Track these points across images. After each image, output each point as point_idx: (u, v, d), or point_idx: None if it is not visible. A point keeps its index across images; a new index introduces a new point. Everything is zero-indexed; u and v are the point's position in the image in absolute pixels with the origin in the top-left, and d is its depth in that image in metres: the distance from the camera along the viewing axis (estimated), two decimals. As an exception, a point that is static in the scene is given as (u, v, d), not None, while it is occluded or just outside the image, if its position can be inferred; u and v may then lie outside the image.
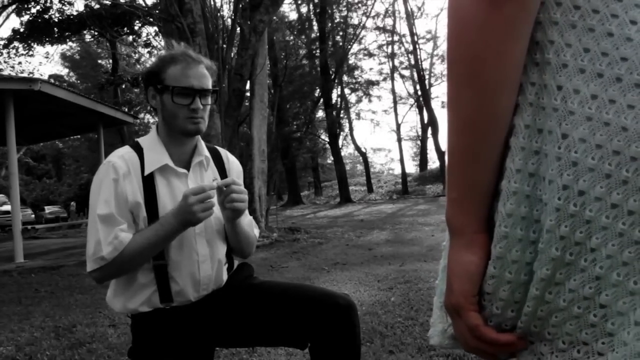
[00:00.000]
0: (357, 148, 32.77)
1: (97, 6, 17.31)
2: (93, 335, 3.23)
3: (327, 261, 6.18)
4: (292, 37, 27.19)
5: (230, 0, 10.74)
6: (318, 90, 26.74)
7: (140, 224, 1.32)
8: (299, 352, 2.50)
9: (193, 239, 1.36)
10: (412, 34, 28.89)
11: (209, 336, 1.42)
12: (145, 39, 21.87)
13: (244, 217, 1.44)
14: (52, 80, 13.70)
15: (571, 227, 0.48)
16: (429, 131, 30.58)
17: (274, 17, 15.00)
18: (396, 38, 30.42)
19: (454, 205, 0.57)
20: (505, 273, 0.53)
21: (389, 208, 18.33)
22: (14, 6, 20.06)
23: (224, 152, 1.56)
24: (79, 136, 28.28)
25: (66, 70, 36.90)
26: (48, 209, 25.47)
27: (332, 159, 30.08)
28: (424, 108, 30.01)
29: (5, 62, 22.04)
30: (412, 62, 29.68)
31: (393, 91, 32.46)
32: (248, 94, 11.53)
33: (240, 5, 9.63)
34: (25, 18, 19.78)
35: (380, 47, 31.22)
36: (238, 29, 9.51)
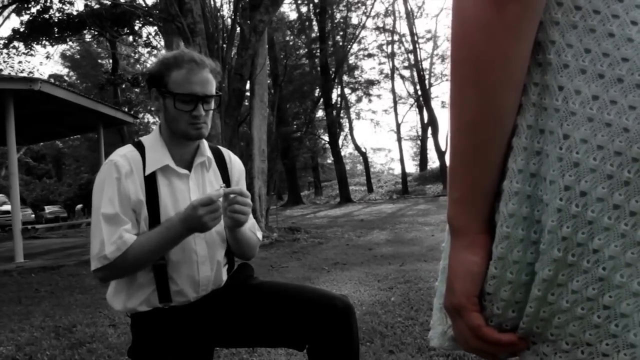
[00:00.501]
0: (357, 148, 32.77)
1: (97, 6, 17.32)
2: (93, 335, 3.23)
3: (327, 261, 6.18)
4: (292, 37, 27.22)
5: (230, 0, 10.75)
6: (318, 90, 26.75)
7: (141, 224, 1.32)
8: (299, 352, 2.50)
9: (192, 240, 1.35)
10: (412, 34, 28.90)
11: (208, 336, 1.42)
12: (145, 38, 21.88)
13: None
14: (52, 80, 13.71)
15: (573, 228, 0.48)
16: (429, 131, 30.56)
17: (274, 17, 14.99)
18: (396, 38, 30.43)
19: (456, 205, 0.56)
20: (506, 273, 0.53)
21: (389, 208, 18.33)
22: (14, 6, 20.06)
23: (227, 152, 1.55)
24: (79, 136, 28.28)
25: (66, 70, 36.97)
26: (48, 209, 25.44)
27: (332, 158, 30.06)
28: (424, 108, 29.99)
29: (5, 61, 22.05)
30: (412, 61, 29.69)
31: (393, 91, 32.43)
32: (248, 93, 11.54)
33: (240, 5, 9.64)
34: (25, 18, 19.80)
35: (380, 46, 31.20)
36: (238, 28, 9.51)
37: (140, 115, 27.24)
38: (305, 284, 3.57)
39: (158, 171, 1.35)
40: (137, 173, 1.33)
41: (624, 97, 0.46)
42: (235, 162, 1.55)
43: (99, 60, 33.81)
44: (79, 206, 26.01)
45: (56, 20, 19.29)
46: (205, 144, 1.45)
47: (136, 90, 24.54)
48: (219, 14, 10.08)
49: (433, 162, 36.45)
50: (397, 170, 42.50)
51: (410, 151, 52.39)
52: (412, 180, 31.33)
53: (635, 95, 0.46)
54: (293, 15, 36.11)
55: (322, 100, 26.97)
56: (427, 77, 30.15)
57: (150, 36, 21.49)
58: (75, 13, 19.26)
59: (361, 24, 27.52)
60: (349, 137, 33.75)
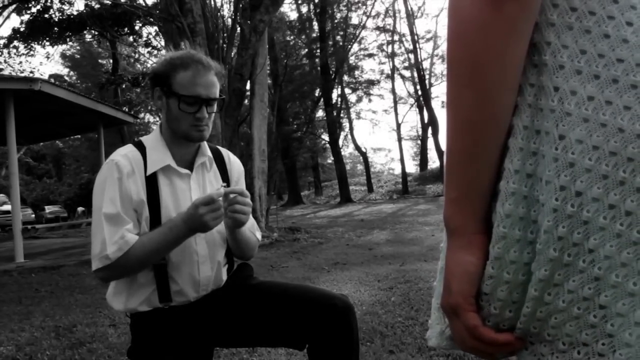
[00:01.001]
0: (357, 148, 32.76)
1: (98, 6, 17.31)
2: (93, 335, 3.23)
3: (327, 261, 6.18)
4: (292, 37, 27.21)
5: (231, 0, 10.76)
6: (318, 89, 26.75)
7: (142, 224, 1.32)
8: (299, 352, 2.50)
9: (193, 239, 1.35)
10: (412, 34, 28.93)
11: (208, 336, 1.42)
12: (145, 38, 21.86)
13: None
14: (52, 80, 13.69)
15: (569, 228, 0.48)
16: (429, 131, 30.58)
17: (274, 17, 14.99)
18: (396, 38, 30.48)
19: (452, 205, 0.57)
20: (503, 273, 0.53)
21: (389, 208, 18.32)
22: (14, 5, 20.06)
23: (226, 153, 1.55)
24: (79, 136, 28.30)
25: (66, 70, 37.00)
26: (48, 209, 25.46)
27: (332, 158, 30.07)
28: (424, 108, 30.00)
29: (5, 61, 22.04)
30: (412, 61, 29.69)
31: (393, 91, 32.47)
32: (248, 93, 11.54)
33: (241, 5, 9.64)
34: (26, 17, 19.78)
35: (380, 46, 31.21)
36: (238, 28, 9.51)
37: (141, 115, 27.24)
38: (305, 284, 3.58)
39: (159, 171, 1.35)
40: (138, 173, 1.32)
41: (619, 98, 0.47)
42: (234, 162, 1.55)
43: (99, 60, 33.82)
44: (80, 208, 26.02)
45: (56, 20, 19.27)
46: (205, 144, 1.45)
47: (136, 90, 24.53)
48: (219, 13, 10.08)
49: (433, 162, 36.49)
50: (397, 170, 42.52)
51: (411, 151, 52.46)
52: (412, 180, 31.32)
53: (630, 95, 0.46)
54: (293, 15, 36.16)
55: (322, 100, 26.97)
56: (427, 77, 30.21)
57: (150, 36, 21.50)
58: (75, 13, 19.25)
59: (361, 24, 27.61)
60: (349, 137, 33.82)
